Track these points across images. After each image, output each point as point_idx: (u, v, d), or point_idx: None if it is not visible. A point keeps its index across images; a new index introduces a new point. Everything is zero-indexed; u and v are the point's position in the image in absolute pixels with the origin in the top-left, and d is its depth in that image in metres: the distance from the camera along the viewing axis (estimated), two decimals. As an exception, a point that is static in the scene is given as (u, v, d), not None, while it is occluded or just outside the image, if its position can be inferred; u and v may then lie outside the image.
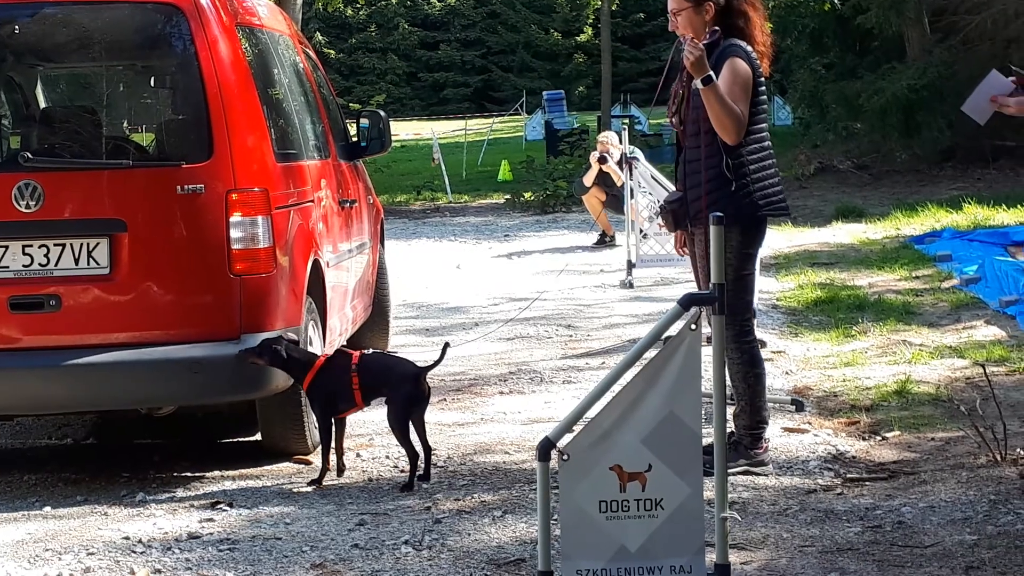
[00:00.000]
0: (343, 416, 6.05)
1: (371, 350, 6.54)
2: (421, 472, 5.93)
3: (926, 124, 22.14)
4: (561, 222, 18.46)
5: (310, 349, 6.28)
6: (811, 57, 28.62)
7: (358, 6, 59.61)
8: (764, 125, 5.96)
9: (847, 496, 5.48)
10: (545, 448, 3.87)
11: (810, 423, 6.74)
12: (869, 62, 25.39)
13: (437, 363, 5.95)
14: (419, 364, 6.04)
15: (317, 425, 6.00)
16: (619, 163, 14.53)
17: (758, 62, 5.87)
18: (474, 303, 11.38)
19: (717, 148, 5.77)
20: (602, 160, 14.69)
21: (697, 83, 5.66)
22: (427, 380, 5.97)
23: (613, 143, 14.95)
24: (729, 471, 5.51)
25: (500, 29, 61.78)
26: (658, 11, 54.60)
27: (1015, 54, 19.18)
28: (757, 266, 6.93)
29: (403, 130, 44.06)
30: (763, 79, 5.90)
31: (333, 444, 6.00)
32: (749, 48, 5.84)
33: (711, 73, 5.64)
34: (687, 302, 3.88)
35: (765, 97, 5.97)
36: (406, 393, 5.88)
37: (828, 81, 26.68)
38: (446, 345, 5.99)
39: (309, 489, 5.92)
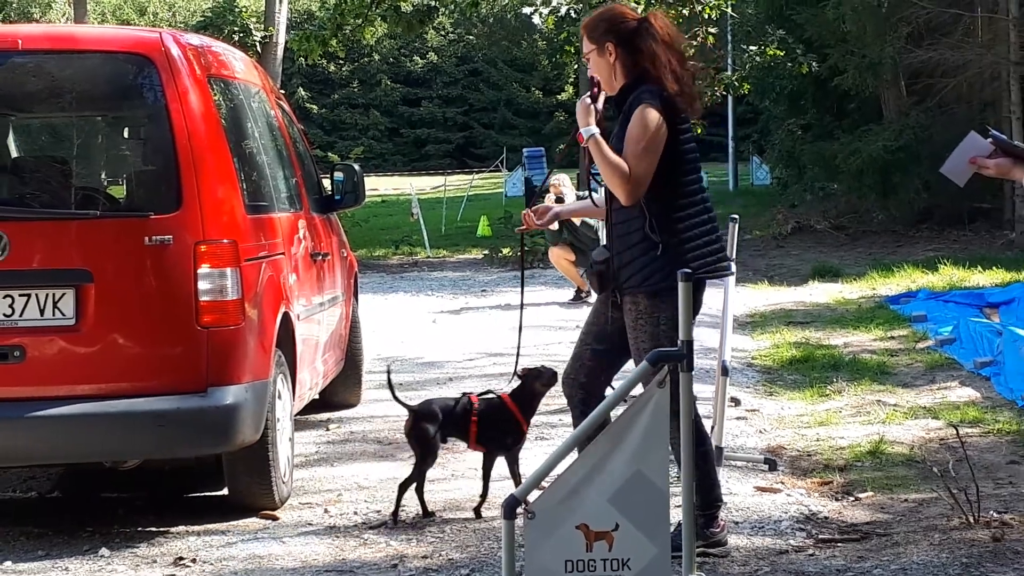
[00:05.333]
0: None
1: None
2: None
3: (903, 185, 22.29)
4: (539, 278, 18.43)
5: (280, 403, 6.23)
6: (789, 118, 28.89)
7: (340, 62, 59.85)
8: (696, 176, 5.44)
9: (819, 558, 5.42)
10: (511, 506, 3.81)
11: (783, 482, 6.69)
12: (846, 124, 25.61)
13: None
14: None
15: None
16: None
17: (682, 105, 5.33)
18: (449, 358, 11.31)
19: (640, 207, 5.28)
20: (558, 201, 14.65)
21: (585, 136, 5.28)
22: None
23: (565, 184, 14.92)
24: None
25: (482, 87, 62.10)
26: (638, 70, 54.93)
27: (991, 116, 19.34)
28: (730, 324, 6.91)
29: (384, 185, 44.18)
30: (688, 124, 5.39)
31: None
32: (662, 91, 5.27)
33: (592, 127, 5.26)
34: (655, 359, 3.83)
35: (693, 145, 5.43)
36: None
37: (805, 142, 26.91)
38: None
39: (279, 545, 5.83)
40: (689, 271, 3.98)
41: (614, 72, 5.37)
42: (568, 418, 8.38)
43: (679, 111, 5.30)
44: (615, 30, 5.35)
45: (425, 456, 6.10)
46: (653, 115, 5.21)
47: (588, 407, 5.48)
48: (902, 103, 23.89)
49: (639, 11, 24.15)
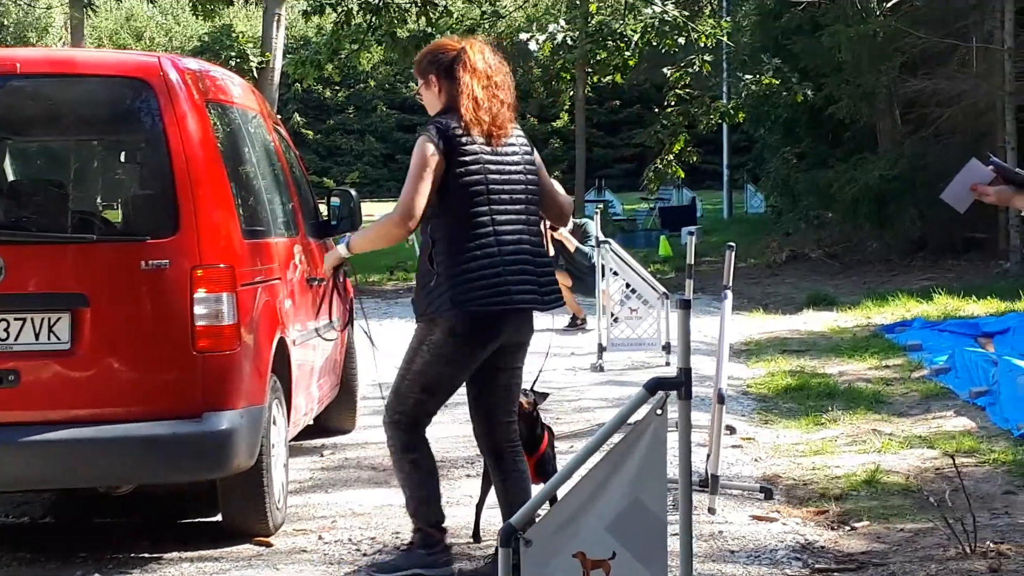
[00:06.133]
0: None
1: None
2: None
3: (897, 214, 22.32)
4: (533, 305, 18.40)
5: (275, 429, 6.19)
6: (784, 146, 28.96)
7: (336, 88, 59.91)
8: (484, 209, 5.29)
9: (815, 587, 5.40)
10: (508, 534, 3.79)
11: (779, 511, 6.67)
12: (841, 152, 25.66)
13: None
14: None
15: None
16: (571, 232, 14.52)
17: (457, 133, 5.26)
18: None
19: (429, 238, 5.34)
20: (553, 227, 14.62)
21: None
22: None
23: None
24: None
25: (477, 113, 62.20)
26: (633, 99, 55.00)
27: (985, 146, 19.36)
28: (726, 352, 6.89)
29: (379, 211, 44.09)
30: (475, 156, 5.27)
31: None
32: (448, 122, 5.27)
33: (337, 249, 5.65)
34: (653, 386, 3.82)
35: (482, 178, 5.28)
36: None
37: (800, 170, 26.97)
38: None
39: (273, 572, 5.80)
40: (687, 300, 3.97)
41: (440, 103, 5.42)
42: (563, 446, 8.38)
43: (461, 143, 5.26)
44: (436, 62, 5.42)
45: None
46: (426, 147, 5.24)
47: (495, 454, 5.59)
48: (897, 132, 23.95)
49: (634, 39, 24.11)
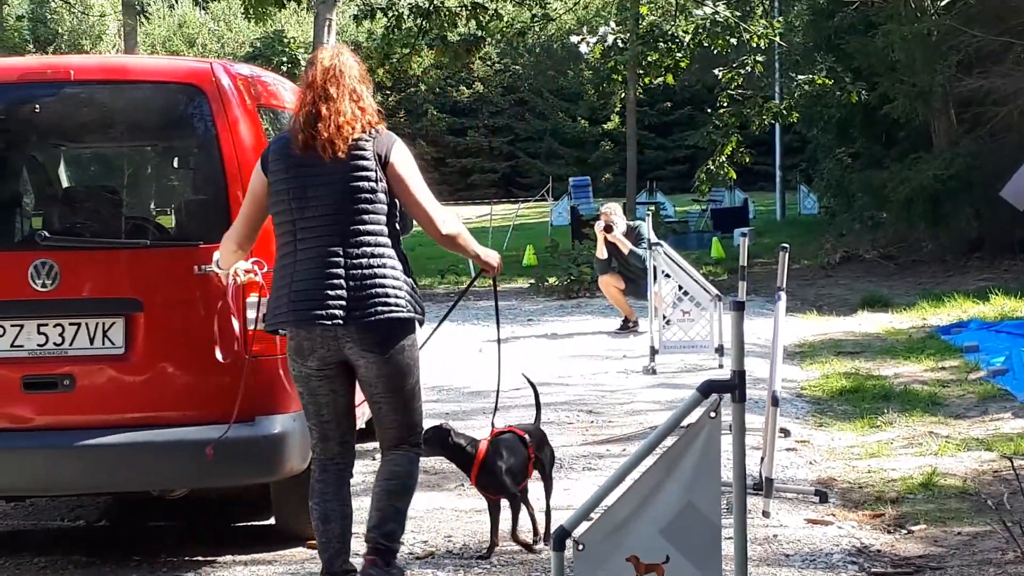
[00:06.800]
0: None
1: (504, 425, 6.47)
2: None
3: (953, 214, 22.09)
4: (585, 307, 18.39)
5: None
6: (837, 147, 28.75)
7: (387, 92, 60.14)
8: (284, 224, 5.19)
9: (871, 591, 5.34)
10: (560, 538, 3.77)
11: (834, 515, 6.61)
12: (895, 152, 25.43)
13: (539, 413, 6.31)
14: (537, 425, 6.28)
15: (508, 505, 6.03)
16: (625, 234, 14.54)
17: (280, 145, 5.23)
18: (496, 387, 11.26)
19: None
20: (607, 229, 14.62)
21: None
22: None
23: (617, 213, 14.95)
24: None
25: (528, 116, 62.17)
26: (684, 101, 54.90)
27: (1042, 145, 19.14)
28: (780, 354, 6.83)
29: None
30: (281, 168, 5.16)
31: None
32: (284, 135, 5.29)
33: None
34: (707, 389, 3.79)
35: (285, 188, 5.16)
36: (551, 455, 6.25)
37: (854, 171, 26.75)
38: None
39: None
40: (742, 303, 3.94)
41: None
42: (616, 449, 8.35)
43: (268, 158, 5.24)
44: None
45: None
46: (254, 168, 5.32)
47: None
48: (952, 132, 23.71)
49: (686, 40, 24.01)
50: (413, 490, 5.39)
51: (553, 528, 3.76)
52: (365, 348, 5.12)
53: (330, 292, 5.07)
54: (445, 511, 6.79)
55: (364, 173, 5.13)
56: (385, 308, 5.10)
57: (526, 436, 6.14)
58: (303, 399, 5.31)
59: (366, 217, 5.13)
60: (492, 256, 5.62)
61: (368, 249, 5.12)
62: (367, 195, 5.13)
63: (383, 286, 5.12)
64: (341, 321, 5.06)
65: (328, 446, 5.32)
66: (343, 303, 5.07)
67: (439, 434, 5.91)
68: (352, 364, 5.18)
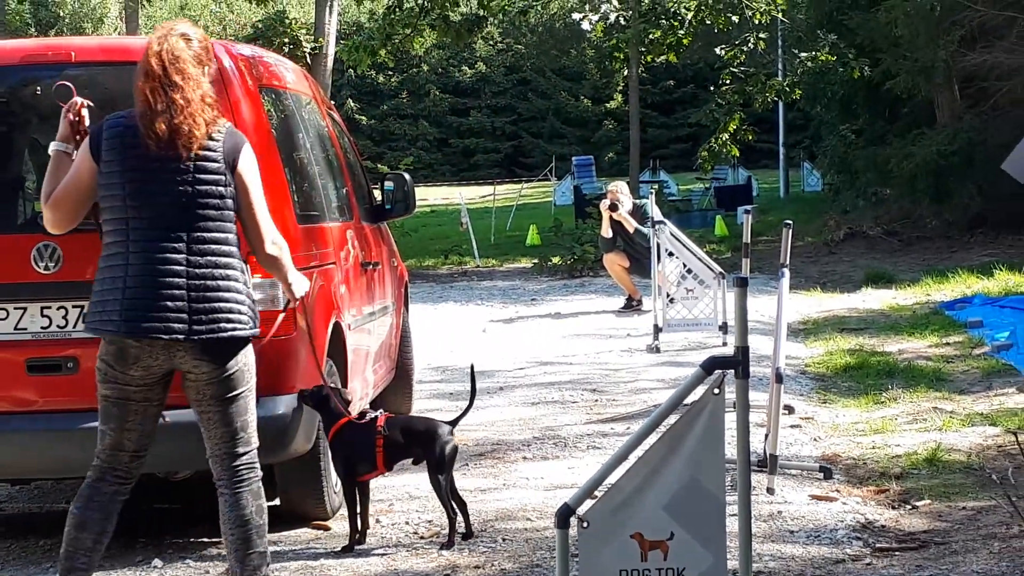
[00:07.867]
0: (365, 480, 5.98)
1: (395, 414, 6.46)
2: (463, 531, 5.94)
3: (956, 190, 22.07)
4: (588, 286, 18.39)
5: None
6: (840, 123, 28.71)
7: (390, 73, 60.03)
8: (114, 219, 4.73)
9: (876, 567, 5.35)
10: (564, 515, 3.77)
11: (839, 491, 6.61)
12: (899, 128, 25.38)
13: (465, 413, 6.03)
14: (445, 420, 6.05)
15: (341, 490, 5.96)
16: (631, 212, 14.52)
17: (101, 136, 4.80)
18: (500, 367, 11.29)
19: None
20: (612, 208, 14.58)
21: None
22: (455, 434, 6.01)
23: (623, 191, 14.90)
24: None
25: (530, 96, 62.09)
26: (687, 79, 54.84)
27: (1046, 120, 19.10)
28: (783, 331, 6.83)
29: (433, 195, 44.27)
30: (111, 156, 4.72)
31: (359, 509, 5.95)
32: (115, 124, 4.81)
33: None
34: (710, 366, 3.79)
35: (116, 182, 4.70)
36: (441, 451, 5.87)
37: (857, 147, 26.72)
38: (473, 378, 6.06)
39: (331, 555, 5.82)
40: (745, 278, 3.93)
41: None
42: (620, 427, 8.36)
43: (101, 144, 4.76)
44: None
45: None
46: (81, 147, 4.85)
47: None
48: (955, 107, 23.66)
49: (688, 17, 24.04)
50: (267, 518, 4.87)
51: (557, 507, 3.76)
52: (202, 360, 4.71)
53: (169, 303, 4.62)
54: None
55: (213, 176, 4.70)
56: (229, 325, 4.69)
57: (382, 427, 5.93)
58: (105, 402, 4.85)
59: (212, 224, 4.70)
60: (301, 286, 5.11)
61: (213, 259, 4.69)
62: (215, 200, 4.70)
63: (227, 300, 4.70)
64: (181, 336, 4.62)
65: (118, 456, 4.90)
66: (183, 315, 4.63)
67: (316, 394, 5.85)
68: (180, 371, 4.77)
